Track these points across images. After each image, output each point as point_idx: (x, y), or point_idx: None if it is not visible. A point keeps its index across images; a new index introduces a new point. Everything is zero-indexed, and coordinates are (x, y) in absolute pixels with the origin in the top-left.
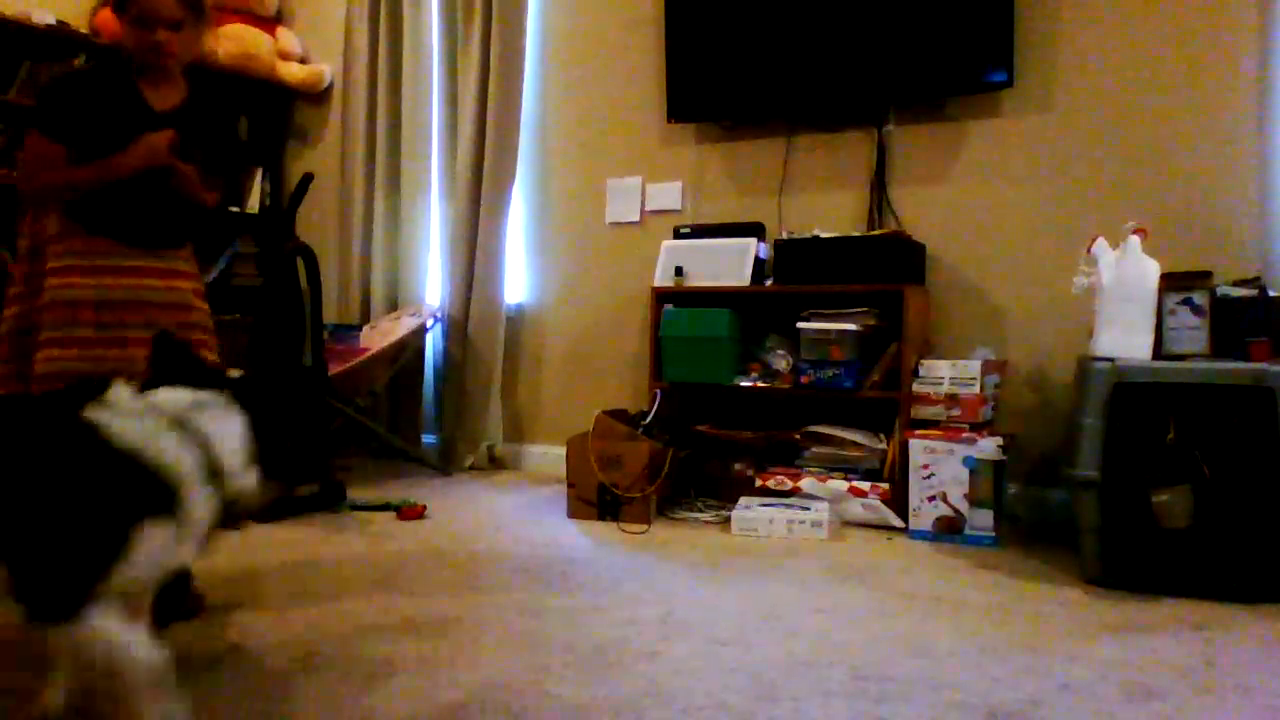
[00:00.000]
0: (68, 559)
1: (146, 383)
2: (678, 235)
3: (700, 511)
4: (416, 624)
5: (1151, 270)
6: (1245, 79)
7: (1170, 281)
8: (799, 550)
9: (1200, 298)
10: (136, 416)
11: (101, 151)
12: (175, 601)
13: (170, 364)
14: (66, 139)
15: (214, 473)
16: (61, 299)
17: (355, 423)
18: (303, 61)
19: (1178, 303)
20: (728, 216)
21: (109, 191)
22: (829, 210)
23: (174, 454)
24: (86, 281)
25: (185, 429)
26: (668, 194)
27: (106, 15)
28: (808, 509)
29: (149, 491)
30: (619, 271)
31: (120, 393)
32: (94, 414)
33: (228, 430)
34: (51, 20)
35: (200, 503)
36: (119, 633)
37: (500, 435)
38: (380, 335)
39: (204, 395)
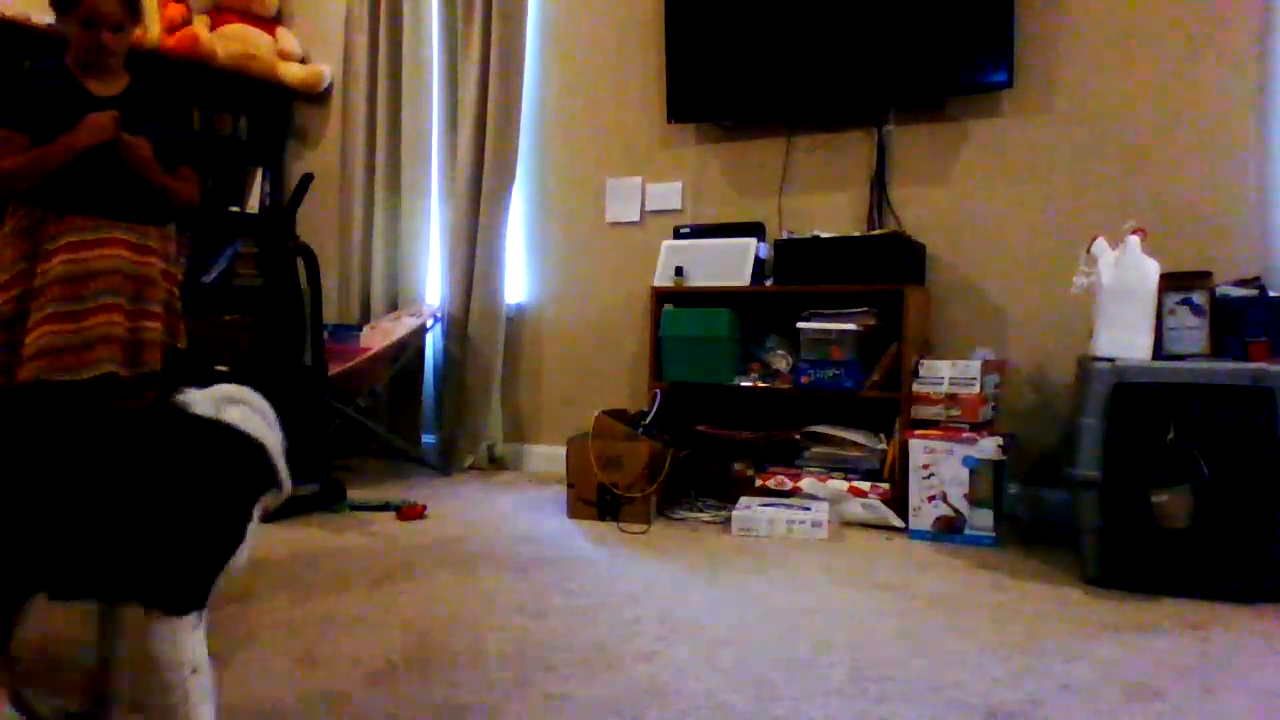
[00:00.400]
0: (202, 549)
1: (164, 389)
2: (678, 235)
3: (700, 511)
4: (416, 624)
5: (1151, 270)
6: (1245, 79)
7: (1170, 281)
8: (799, 550)
9: (1200, 298)
10: (227, 405)
11: (49, 138)
12: None
13: (183, 369)
14: (23, 127)
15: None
16: (51, 278)
17: (355, 423)
18: (303, 61)
19: (1178, 303)
20: (728, 216)
21: (69, 169)
22: (829, 210)
23: (270, 436)
24: (70, 257)
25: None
26: (668, 194)
27: None
28: (808, 509)
29: (262, 472)
30: (619, 271)
31: (192, 390)
32: (193, 405)
33: (273, 418)
34: (51, 20)
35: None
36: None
37: (500, 435)
38: (380, 335)
39: (235, 390)
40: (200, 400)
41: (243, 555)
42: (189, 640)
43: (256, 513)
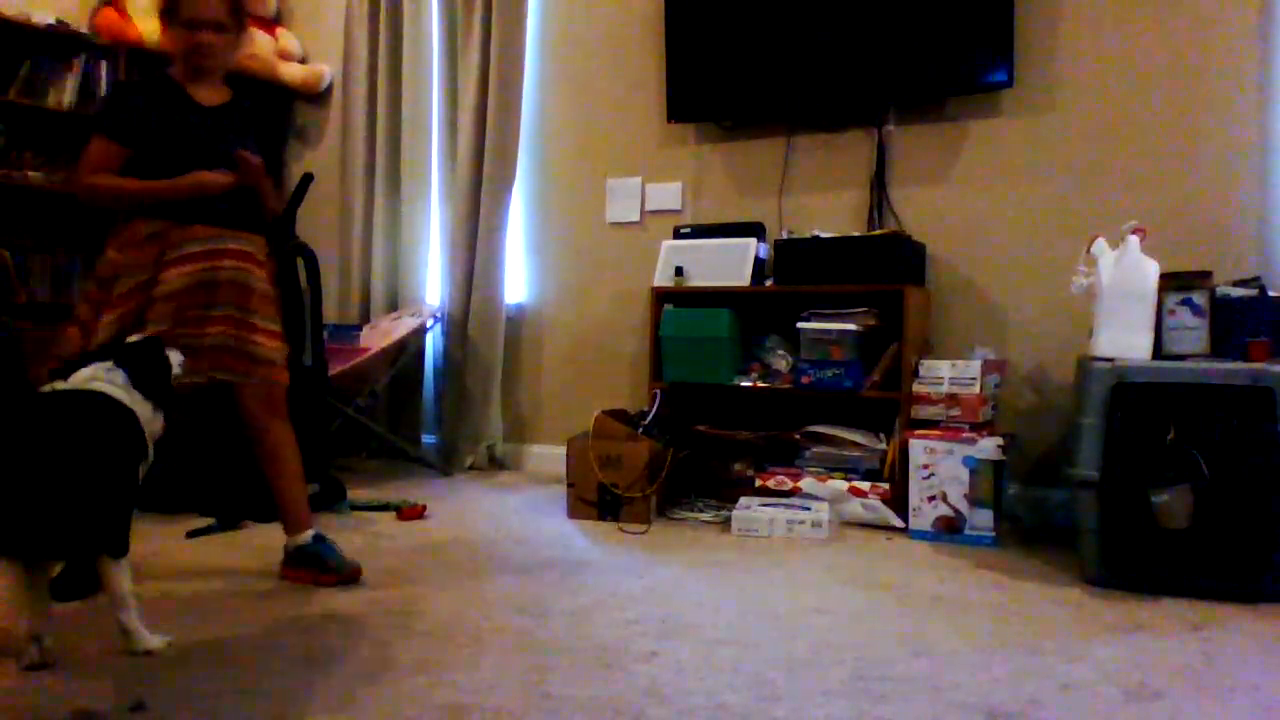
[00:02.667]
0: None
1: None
2: (678, 235)
3: (700, 511)
4: (416, 624)
5: (1151, 270)
6: (1245, 79)
7: (1170, 281)
8: (799, 550)
9: (1200, 298)
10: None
11: (159, 147)
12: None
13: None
14: (128, 140)
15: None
16: (179, 286)
17: (355, 423)
18: (303, 61)
19: (1178, 303)
20: (728, 216)
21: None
22: (829, 210)
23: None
24: (196, 267)
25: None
26: (668, 194)
27: (107, 15)
28: (808, 509)
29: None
30: (619, 271)
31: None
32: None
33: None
34: (51, 20)
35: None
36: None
37: (500, 435)
38: (380, 335)
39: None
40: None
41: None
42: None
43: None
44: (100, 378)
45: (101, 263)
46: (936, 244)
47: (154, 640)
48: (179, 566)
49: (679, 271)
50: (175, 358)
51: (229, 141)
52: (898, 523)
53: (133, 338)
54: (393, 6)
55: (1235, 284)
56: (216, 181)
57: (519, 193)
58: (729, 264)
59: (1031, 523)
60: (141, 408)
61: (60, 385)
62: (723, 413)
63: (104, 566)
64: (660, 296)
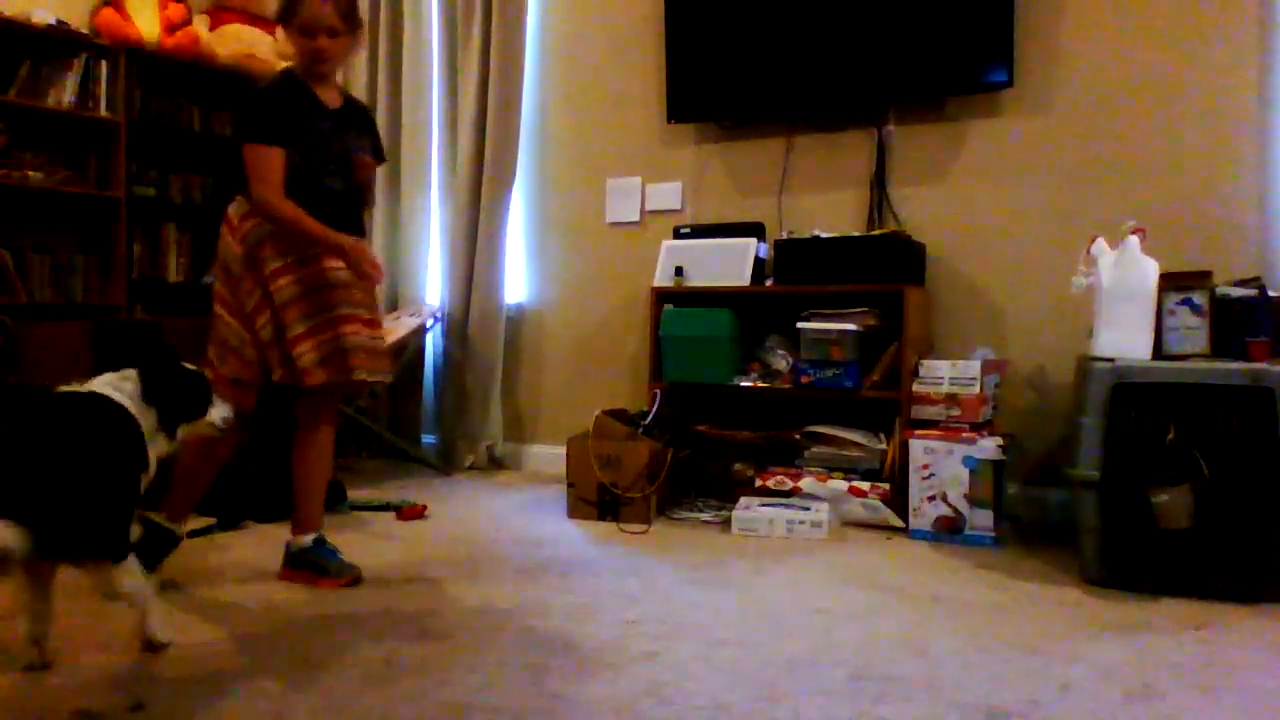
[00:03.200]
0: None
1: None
2: (678, 235)
3: (700, 511)
4: (417, 624)
5: (1151, 270)
6: (1245, 79)
7: (1170, 281)
8: (799, 550)
9: (1200, 298)
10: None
11: (302, 144)
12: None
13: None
14: (283, 141)
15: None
16: (321, 283)
17: (355, 423)
18: None
19: (1177, 303)
20: (728, 216)
21: (322, 188)
22: (829, 210)
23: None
24: (333, 265)
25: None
26: (668, 194)
27: (107, 15)
28: (808, 509)
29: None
30: (619, 271)
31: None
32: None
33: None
34: (51, 20)
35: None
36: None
37: (500, 435)
38: None
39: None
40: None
41: None
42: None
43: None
44: (111, 383)
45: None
46: (936, 244)
47: (164, 634)
48: (179, 566)
49: (679, 271)
50: (220, 411)
51: (352, 145)
52: (898, 523)
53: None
54: (393, 6)
55: (1235, 284)
56: (363, 250)
57: (519, 193)
58: (729, 264)
59: (1031, 523)
60: (147, 419)
61: (74, 387)
62: (723, 413)
63: (105, 572)
64: (660, 296)
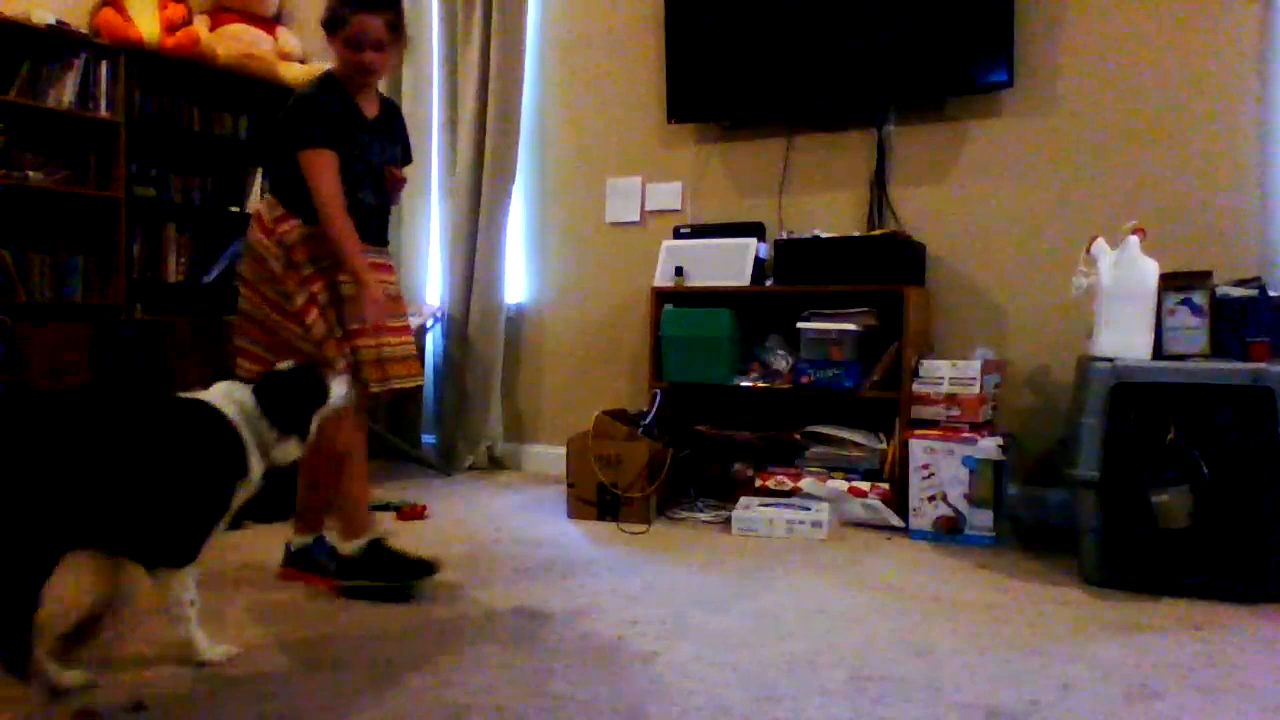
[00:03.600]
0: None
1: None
2: (678, 235)
3: (700, 511)
4: (417, 624)
5: (1151, 270)
6: (1245, 79)
7: (1170, 281)
8: (799, 550)
9: (1200, 298)
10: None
11: (344, 154)
12: None
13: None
14: (333, 145)
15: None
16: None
17: None
18: (303, 62)
19: (1177, 303)
20: (728, 216)
21: (356, 203)
22: (829, 210)
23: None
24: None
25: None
26: (668, 194)
27: (107, 15)
28: (808, 509)
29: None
30: (619, 271)
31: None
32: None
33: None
34: (51, 20)
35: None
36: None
37: (500, 435)
38: None
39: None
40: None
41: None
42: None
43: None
44: (224, 392)
45: (296, 247)
46: (936, 244)
47: (214, 650)
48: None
49: (679, 271)
50: (340, 389)
51: (385, 155)
52: (898, 523)
53: (282, 365)
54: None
55: (1235, 284)
56: (374, 298)
57: (519, 193)
58: (729, 264)
59: (1031, 523)
60: (255, 429)
61: (190, 394)
62: (723, 413)
63: (163, 574)
64: (660, 296)
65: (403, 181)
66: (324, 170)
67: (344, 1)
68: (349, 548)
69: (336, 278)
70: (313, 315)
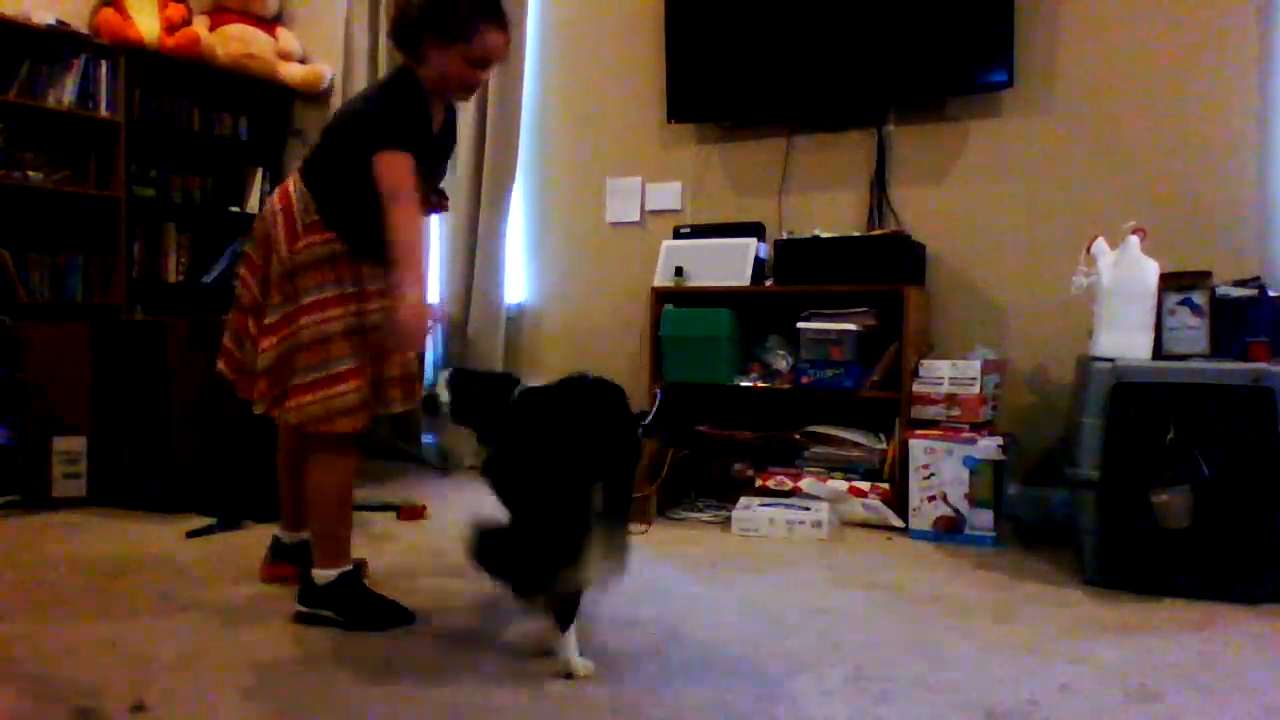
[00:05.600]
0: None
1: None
2: (678, 235)
3: (700, 511)
4: (417, 624)
5: (1151, 270)
6: (1245, 79)
7: (1170, 281)
8: (799, 550)
9: (1200, 298)
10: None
11: (418, 155)
12: None
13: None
14: (412, 148)
15: None
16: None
17: None
18: (303, 61)
19: (1177, 303)
20: (728, 216)
21: (378, 223)
22: (829, 210)
23: None
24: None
25: None
26: (668, 194)
27: (107, 15)
28: (808, 509)
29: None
30: (619, 271)
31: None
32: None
33: None
34: (51, 20)
35: None
36: None
37: None
38: None
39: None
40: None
41: None
42: None
43: None
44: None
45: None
46: (936, 244)
47: (581, 665)
48: (179, 566)
49: (679, 271)
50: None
51: (434, 172)
52: (898, 523)
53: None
54: (393, 7)
55: (1235, 284)
56: (424, 319)
57: (519, 193)
58: (729, 264)
59: (1031, 523)
60: None
61: None
62: (723, 413)
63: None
64: (660, 296)
65: (444, 207)
66: (402, 171)
67: (473, 10)
68: (321, 575)
69: (366, 306)
70: (270, 341)
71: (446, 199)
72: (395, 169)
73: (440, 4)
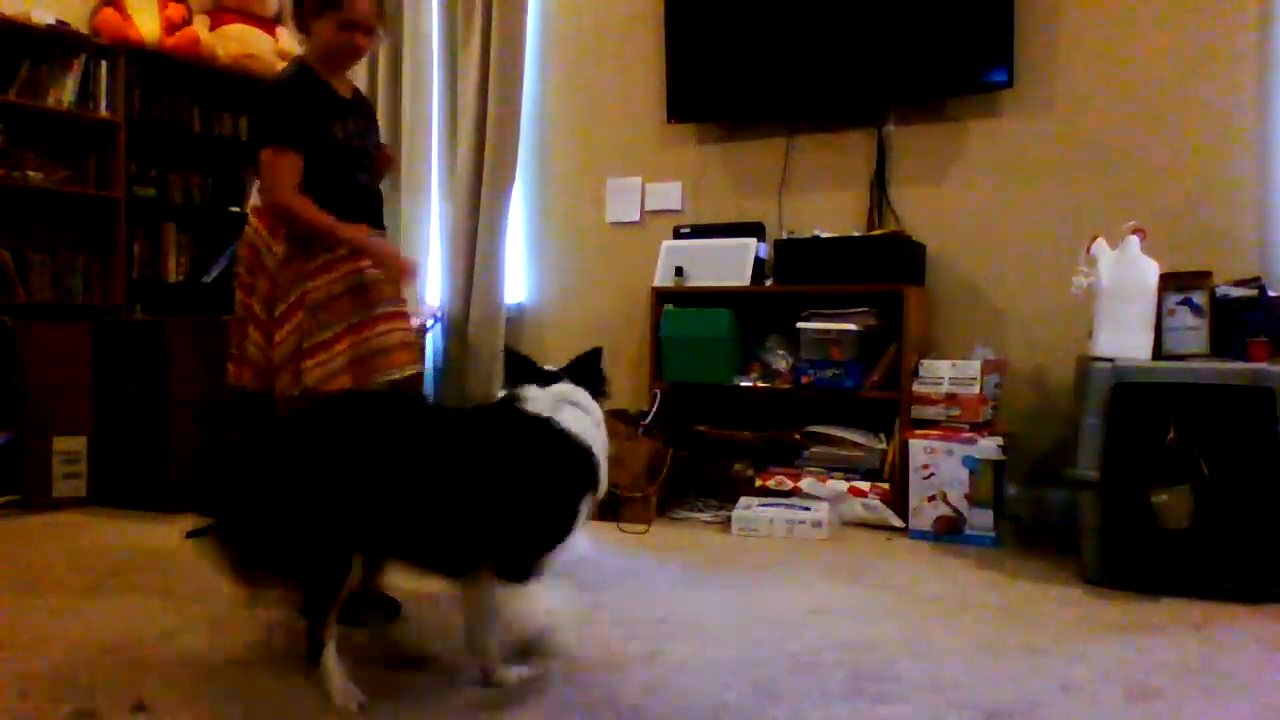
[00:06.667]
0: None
1: (508, 384)
2: (678, 235)
3: (700, 511)
4: (416, 624)
5: (1151, 270)
6: (1245, 79)
7: (1170, 281)
8: (799, 550)
9: (1200, 298)
10: (563, 406)
11: (325, 143)
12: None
13: (519, 369)
14: (303, 147)
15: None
16: (340, 290)
17: None
18: None
19: (1177, 303)
20: (728, 216)
21: (349, 183)
22: (829, 210)
23: (598, 438)
24: (351, 268)
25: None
26: (668, 194)
27: (107, 15)
28: (808, 509)
29: (587, 473)
30: (619, 271)
31: (531, 389)
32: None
33: (600, 419)
34: (51, 20)
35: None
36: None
37: None
38: None
39: (570, 391)
40: (539, 399)
41: (578, 545)
42: (530, 598)
43: (583, 510)
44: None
45: (308, 289)
46: (936, 244)
47: (507, 673)
48: (178, 566)
49: (679, 271)
50: None
51: (367, 135)
52: (898, 523)
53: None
54: (393, 6)
55: (1235, 284)
56: (389, 252)
57: (519, 193)
58: (729, 264)
59: (1031, 523)
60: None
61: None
62: (723, 413)
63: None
64: (660, 296)
65: (390, 161)
66: (276, 167)
67: None
68: None
69: (348, 268)
70: (285, 330)
71: (388, 151)
72: (271, 165)
73: None
